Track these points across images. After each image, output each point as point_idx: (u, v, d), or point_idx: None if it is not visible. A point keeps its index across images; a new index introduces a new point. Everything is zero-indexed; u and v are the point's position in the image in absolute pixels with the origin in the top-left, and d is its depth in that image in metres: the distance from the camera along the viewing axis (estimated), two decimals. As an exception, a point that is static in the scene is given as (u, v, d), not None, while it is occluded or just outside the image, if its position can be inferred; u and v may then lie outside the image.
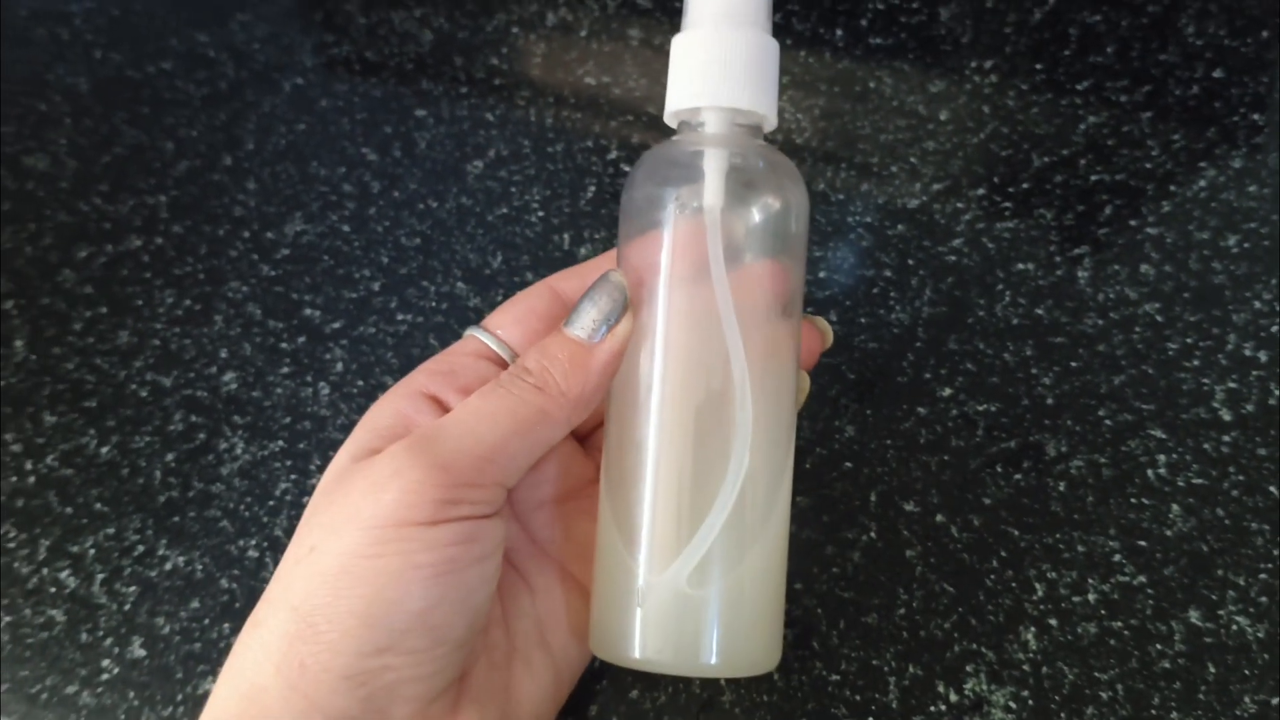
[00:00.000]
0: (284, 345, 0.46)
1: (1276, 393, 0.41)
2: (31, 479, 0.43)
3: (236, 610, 0.39)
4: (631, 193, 0.33)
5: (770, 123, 0.33)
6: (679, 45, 0.32)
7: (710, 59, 0.31)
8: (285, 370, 0.45)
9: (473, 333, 0.35)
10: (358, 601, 0.28)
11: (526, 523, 0.35)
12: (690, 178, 0.32)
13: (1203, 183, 0.46)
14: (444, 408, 0.32)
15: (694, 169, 0.32)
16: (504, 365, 0.34)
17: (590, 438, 0.38)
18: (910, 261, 0.45)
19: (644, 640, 0.31)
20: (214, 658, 0.39)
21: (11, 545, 0.42)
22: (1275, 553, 0.38)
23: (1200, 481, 0.40)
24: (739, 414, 0.31)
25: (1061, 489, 0.40)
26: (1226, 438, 0.40)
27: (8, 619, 0.40)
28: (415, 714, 0.29)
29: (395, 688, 0.29)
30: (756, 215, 0.32)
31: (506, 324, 0.35)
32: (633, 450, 0.32)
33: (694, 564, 0.31)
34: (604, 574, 0.33)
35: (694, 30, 0.32)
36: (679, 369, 0.32)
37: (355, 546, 0.28)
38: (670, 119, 0.33)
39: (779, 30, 0.53)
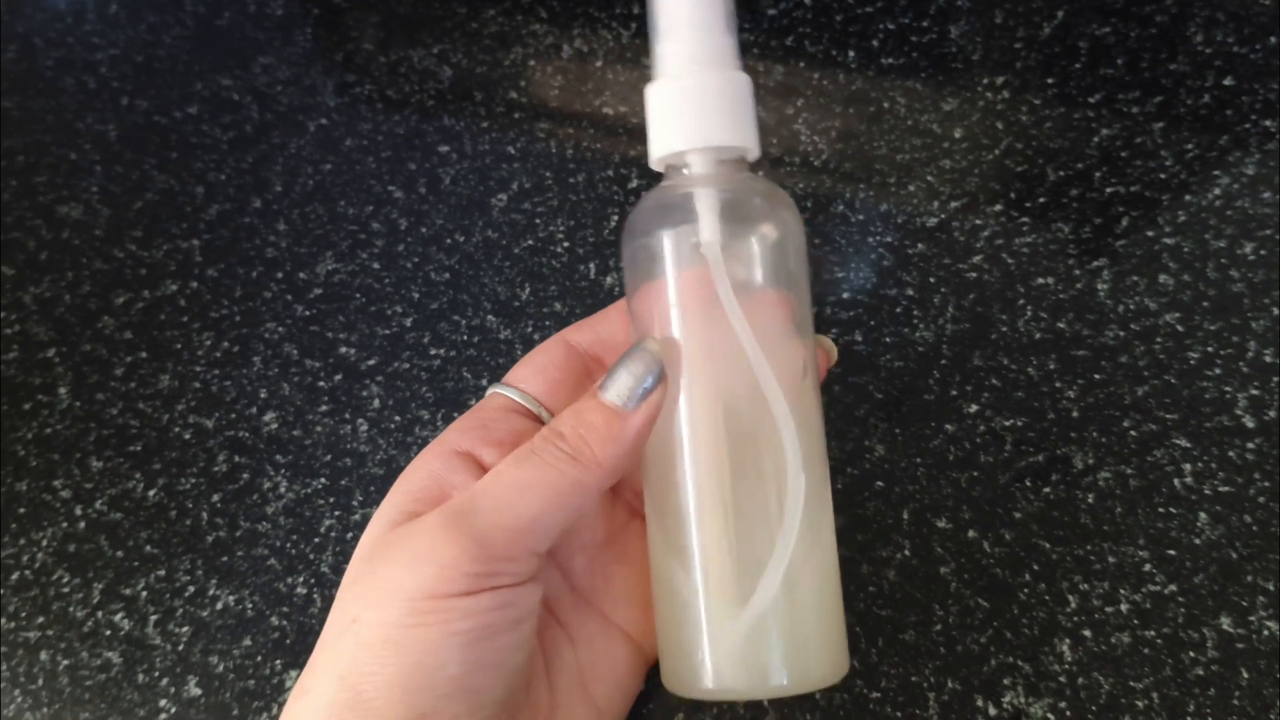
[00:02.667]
0: (321, 384, 0.47)
1: (1298, 397, 0.42)
2: (82, 524, 0.44)
3: (287, 646, 0.40)
4: (630, 243, 0.34)
5: (753, 154, 0.34)
6: (654, 94, 0.33)
7: (686, 103, 0.32)
8: (324, 408, 0.46)
9: (497, 389, 0.36)
10: (400, 669, 0.29)
11: (566, 571, 0.36)
12: (685, 219, 0.32)
13: (1217, 191, 0.47)
14: (478, 463, 0.33)
15: (687, 210, 0.32)
16: (532, 416, 0.35)
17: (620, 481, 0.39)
18: (932, 279, 0.46)
19: (716, 671, 0.32)
20: (268, 694, 0.39)
21: (66, 590, 0.43)
22: None
23: (1226, 489, 0.40)
24: (784, 435, 0.32)
25: (1090, 501, 0.40)
26: (1251, 444, 0.41)
27: (66, 663, 0.41)
28: None
29: None
30: (755, 245, 0.33)
31: (528, 377, 0.36)
32: (677, 491, 0.32)
33: (774, 590, 0.31)
34: (668, 612, 0.33)
35: (666, 78, 0.32)
36: (710, 402, 0.32)
37: (396, 617, 0.29)
38: (656, 165, 0.34)
39: (793, 53, 0.54)
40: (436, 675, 0.29)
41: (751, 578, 0.32)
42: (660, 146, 0.33)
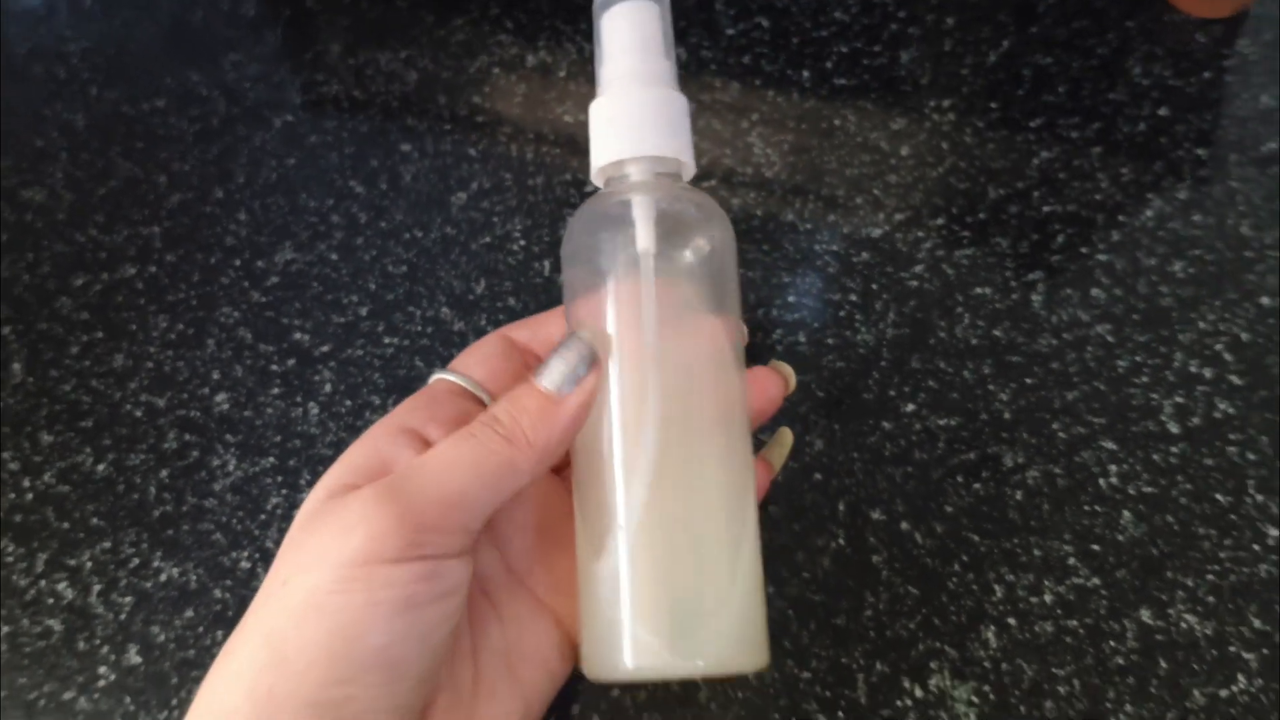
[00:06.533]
0: (274, 368, 0.47)
1: (1221, 407, 0.43)
2: (29, 495, 0.44)
3: (229, 619, 0.41)
4: (569, 246, 0.35)
5: (689, 170, 0.35)
6: (596, 109, 0.34)
7: (626, 115, 0.34)
8: (276, 391, 0.47)
9: (441, 375, 0.37)
10: (323, 634, 0.29)
11: (504, 551, 0.37)
12: (621, 224, 0.34)
13: (1150, 212, 0.49)
14: (423, 440, 0.34)
15: (624, 218, 0.34)
16: (476, 400, 0.36)
17: (567, 470, 0.39)
18: (874, 286, 0.48)
19: (636, 652, 0.32)
20: (207, 663, 0.39)
21: (10, 559, 0.43)
22: (1221, 555, 0.40)
23: (1150, 490, 0.42)
24: (706, 432, 0.33)
25: (1019, 497, 0.42)
26: (1174, 449, 0.42)
27: (6, 629, 0.41)
28: None
29: (357, 718, 0.30)
30: (688, 252, 0.34)
31: (471, 365, 0.37)
32: (600, 478, 0.34)
33: (697, 577, 0.33)
34: (591, 597, 0.34)
35: (608, 95, 0.34)
36: (636, 396, 0.33)
37: (323, 583, 0.30)
38: (596, 178, 0.35)
39: (750, 71, 0.56)
40: (358, 644, 0.30)
41: (672, 565, 0.33)
42: (600, 157, 0.34)
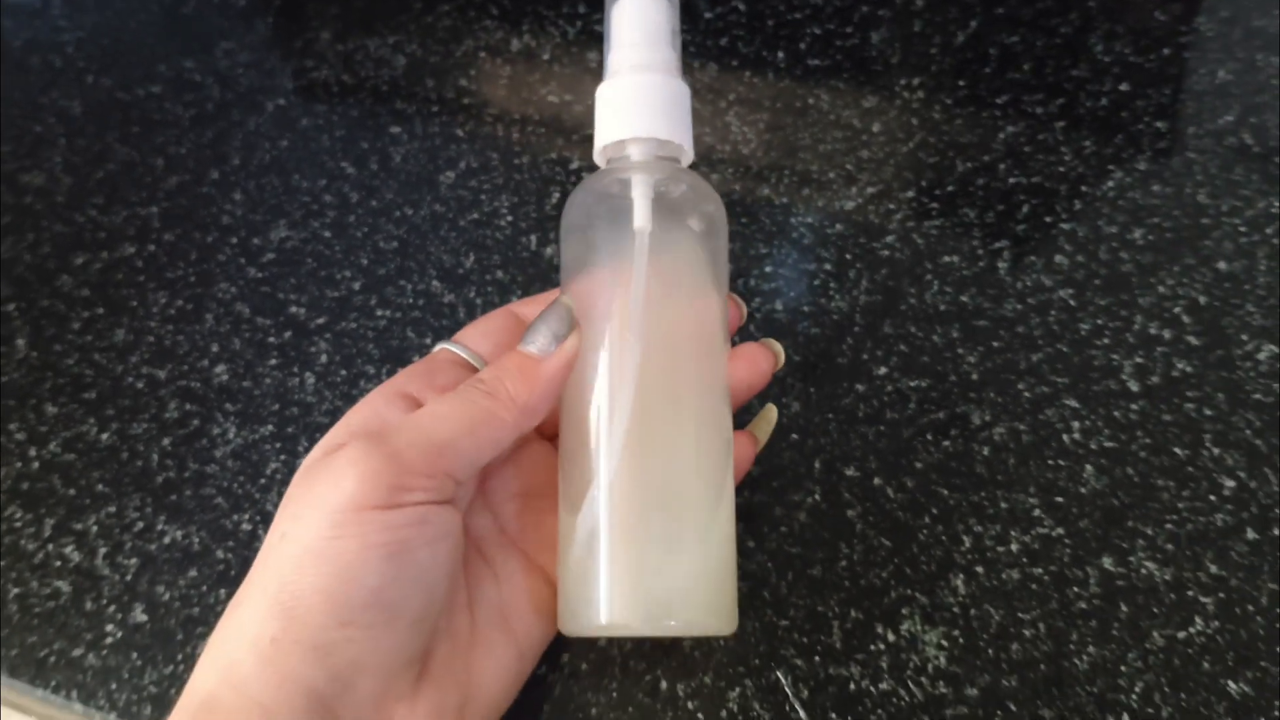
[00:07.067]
0: (271, 340, 0.49)
1: (1179, 366, 0.45)
2: (35, 464, 0.46)
3: (232, 578, 0.42)
4: (567, 219, 0.37)
5: (688, 155, 0.37)
6: (603, 92, 0.37)
7: (631, 99, 0.36)
8: (273, 362, 0.48)
9: (445, 345, 0.38)
10: (320, 579, 0.31)
11: (497, 514, 0.38)
12: (620, 203, 0.35)
13: (1111, 183, 0.51)
14: (419, 406, 0.35)
15: (622, 195, 0.36)
16: (473, 370, 0.38)
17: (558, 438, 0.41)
18: (848, 256, 0.49)
19: (610, 607, 0.34)
20: (211, 620, 0.41)
21: (18, 525, 0.44)
22: (1179, 506, 0.41)
23: (1111, 444, 0.43)
24: (686, 396, 0.36)
25: (986, 453, 0.43)
26: (1134, 406, 0.44)
27: (16, 591, 0.43)
28: (378, 687, 0.32)
29: (358, 661, 0.31)
30: (683, 234, 0.36)
31: (475, 338, 0.39)
32: (581, 436, 0.35)
33: (670, 534, 0.34)
34: (569, 553, 0.35)
35: (615, 78, 0.36)
36: (620, 361, 0.35)
37: (318, 529, 0.31)
38: (599, 158, 0.37)
39: (727, 53, 0.57)
40: (355, 586, 0.31)
41: (646, 526, 0.34)
42: (603, 137, 0.36)
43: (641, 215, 0.35)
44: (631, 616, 0.34)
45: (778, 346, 0.40)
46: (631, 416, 0.35)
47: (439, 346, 0.39)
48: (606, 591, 0.34)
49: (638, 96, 0.36)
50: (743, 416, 0.38)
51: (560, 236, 0.37)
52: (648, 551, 0.34)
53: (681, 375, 0.36)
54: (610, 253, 0.36)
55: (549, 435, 0.40)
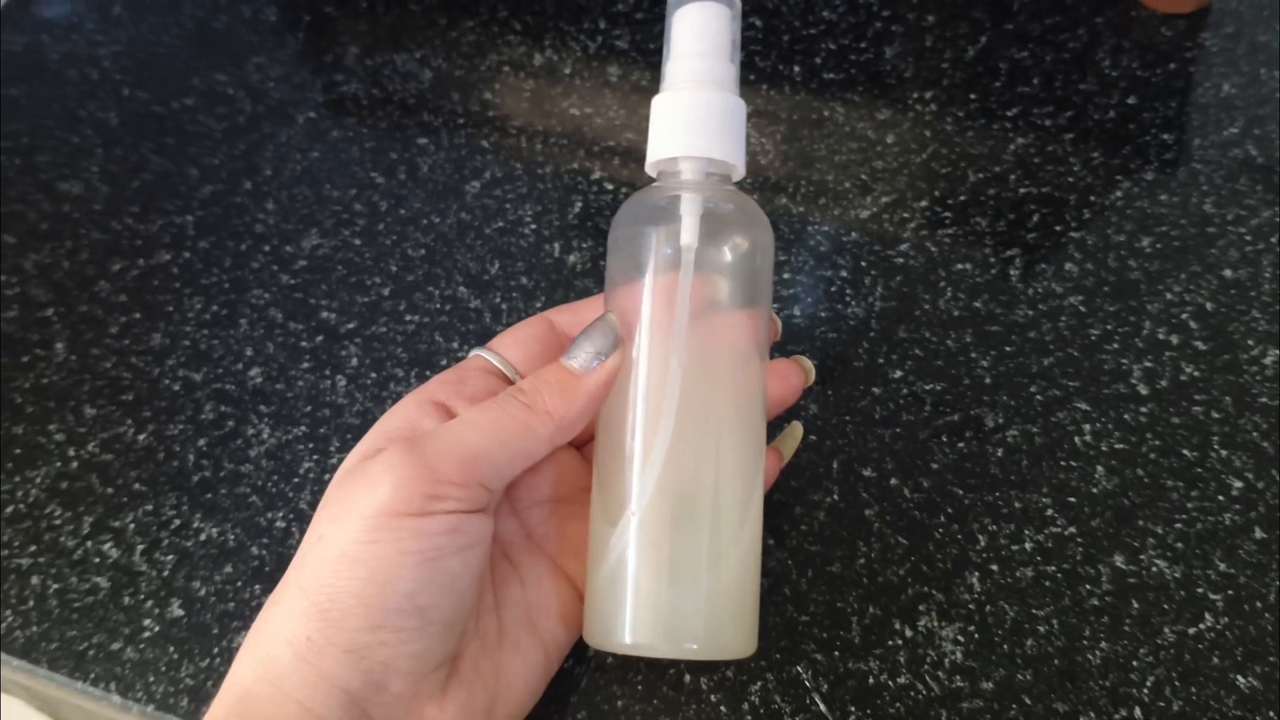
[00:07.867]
0: (304, 344, 0.50)
1: (1187, 370, 0.46)
2: (75, 464, 0.47)
3: (266, 574, 0.43)
4: (616, 233, 0.37)
5: (739, 172, 0.37)
6: (659, 104, 0.36)
7: (687, 116, 0.36)
8: (305, 365, 0.50)
9: (478, 352, 0.39)
10: (355, 583, 0.32)
11: (524, 520, 0.39)
12: (668, 218, 0.36)
13: (1119, 193, 0.52)
14: (450, 413, 0.36)
15: (672, 212, 0.36)
16: (506, 380, 0.38)
17: (587, 447, 0.41)
18: (863, 263, 0.51)
19: (635, 628, 0.35)
20: (246, 615, 0.42)
21: (58, 523, 0.46)
22: (1189, 505, 0.42)
23: (1121, 446, 0.44)
24: (724, 420, 0.36)
25: (999, 455, 0.44)
26: (1144, 409, 0.45)
27: (56, 586, 0.44)
28: (409, 688, 0.33)
29: (390, 662, 0.32)
30: (728, 251, 0.36)
31: (508, 345, 0.39)
32: (618, 454, 0.36)
33: (700, 560, 0.35)
34: (599, 570, 0.36)
35: (672, 92, 0.36)
36: (658, 380, 0.36)
37: (354, 534, 0.32)
38: (651, 169, 0.37)
39: (744, 67, 0.58)
40: (389, 590, 0.32)
41: (676, 549, 0.35)
42: (657, 151, 0.36)
43: (689, 232, 0.35)
44: (654, 639, 0.35)
45: (809, 364, 0.40)
46: (671, 443, 0.35)
47: (472, 353, 0.39)
48: (632, 612, 0.35)
49: (695, 114, 0.35)
50: (769, 431, 0.39)
51: (608, 246, 0.38)
52: (672, 576, 0.35)
53: (720, 397, 0.36)
54: (657, 267, 0.36)
55: (578, 443, 0.41)
